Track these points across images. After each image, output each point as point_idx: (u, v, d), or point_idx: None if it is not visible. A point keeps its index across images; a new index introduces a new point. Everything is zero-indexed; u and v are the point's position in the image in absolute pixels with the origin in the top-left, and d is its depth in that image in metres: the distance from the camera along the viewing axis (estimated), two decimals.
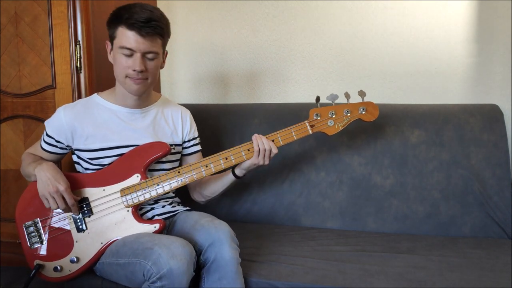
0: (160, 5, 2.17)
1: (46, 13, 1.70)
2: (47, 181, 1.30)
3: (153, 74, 1.37)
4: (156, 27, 1.30)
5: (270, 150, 1.39)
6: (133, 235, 1.32)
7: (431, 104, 1.86)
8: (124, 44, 1.30)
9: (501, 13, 1.87)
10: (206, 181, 1.55)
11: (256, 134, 1.40)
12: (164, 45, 1.38)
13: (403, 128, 1.77)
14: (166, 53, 1.44)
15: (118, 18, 1.31)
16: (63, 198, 1.30)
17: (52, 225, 1.38)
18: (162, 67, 1.44)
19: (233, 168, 1.47)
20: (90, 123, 1.41)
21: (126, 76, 1.34)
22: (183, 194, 1.61)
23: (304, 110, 1.46)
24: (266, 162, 1.40)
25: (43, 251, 1.37)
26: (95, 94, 1.48)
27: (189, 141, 1.56)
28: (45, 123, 1.44)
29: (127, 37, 1.29)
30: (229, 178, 1.49)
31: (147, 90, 1.42)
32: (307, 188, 1.81)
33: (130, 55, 1.31)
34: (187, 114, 1.57)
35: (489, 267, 1.38)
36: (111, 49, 1.38)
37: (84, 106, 1.44)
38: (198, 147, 1.59)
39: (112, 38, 1.35)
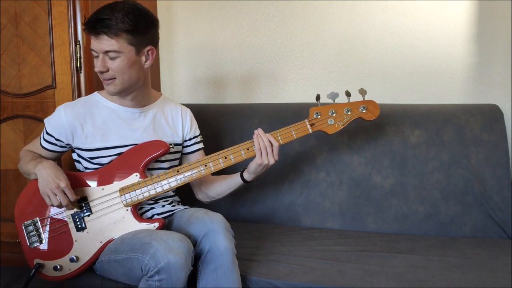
0: (160, 5, 2.18)
1: (46, 13, 1.70)
2: (48, 178, 1.30)
3: (119, 73, 1.32)
4: (107, 26, 1.27)
5: (272, 146, 1.37)
6: (131, 232, 1.33)
7: (431, 104, 1.86)
8: (90, 47, 1.33)
9: (501, 13, 1.87)
10: (211, 181, 1.54)
11: (256, 131, 1.39)
12: (133, 42, 1.31)
13: (403, 128, 1.77)
14: (152, 50, 1.38)
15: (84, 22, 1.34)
16: (65, 194, 1.30)
17: (51, 224, 1.38)
18: (146, 65, 1.38)
19: (241, 171, 1.47)
20: (90, 122, 1.41)
21: (100, 77, 1.36)
22: (182, 193, 1.61)
23: (304, 110, 1.45)
24: (271, 161, 1.37)
25: (42, 250, 1.37)
26: (96, 92, 1.48)
27: (190, 139, 1.56)
28: (45, 121, 1.44)
29: (91, 39, 1.32)
30: (236, 182, 1.47)
31: (128, 90, 1.38)
32: (307, 188, 1.81)
33: (97, 57, 1.33)
34: (187, 113, 1.57)
35: (489, 267, 1.37)
36: None
37: (85, 105, 1.43)
38: (200, 145, 1.59)
39: None
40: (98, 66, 1.32)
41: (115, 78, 1.34)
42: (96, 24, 1.28)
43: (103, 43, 1.29)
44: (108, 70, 1.32)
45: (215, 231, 1.28)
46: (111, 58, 1.31)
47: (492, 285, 1.26)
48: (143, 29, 1.33)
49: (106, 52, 1.30)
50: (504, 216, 1.66)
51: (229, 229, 1.32)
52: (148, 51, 1.37)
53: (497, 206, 1.67)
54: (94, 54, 1.33)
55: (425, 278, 1.30)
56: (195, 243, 1.30)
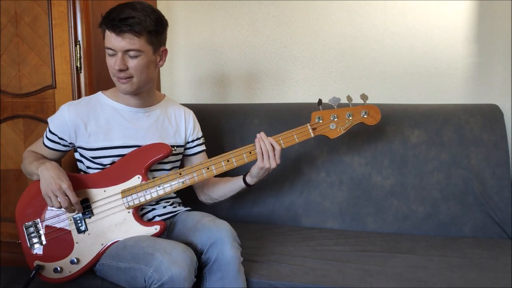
0: (160, 5, 2.17)
1: (46, 13, 1.70)
2: (50, 179, 1.30)
3: (138, 72, 1.33)
4: (132, 25, 1.27)
5: (274, 150, 1.38)
6: (133, 238, 1.32)
7: (431, 104, 1.86)
8: (106, 44, 1.32)
9: (501, 13, 1.87)
10: (214, 184, 1.54)
11: (258, 135, 1.39)
12: (152, 42, 1.33)
13: (403, 128, 1.77)
14: (165, 51, 1.42)
15: (103, 19, 1.31)
16: (66, 196, 1.30)
17: (52, 226, 1.38)
18: (159, 65, 1.42)
19: (244, 175, 1.47)
20: (94, 121, 1.41)
21: (114, 76, 1.35)
22: (184, 195, 1.61)
23: (304, 110, 1.46)
24: (273, 165, 1.38)
25: (43, 251, 1.37)
26: (100, 92, 1.48)
27: (192, 141, 1.56)
28: (49, 119, 1.44)
29: (108, 37, 1.31)
30: (239, 185, 1.48)
31: (140, 89, 1.39)
32: (307, 189, 1.81)
33: (113, 55, 1.32)
34: (190, 114, 1.57)
35: (489, 267, 1.38)
36: None
37: (88, 104, 1.43)
38: (202, 147, 1.59)
39: (103, 40, 1.35)
40: (117, 64, 1.30)
41: (132, 77, 1.34)
42: (120, 22, 1.27)
43: (126, 41, 1.28)
44: (127, 69, 1.32)
45: (223, 241, 1.28)
46: (131, 57, 1.31)
47: (492, 285, 1.27)
48: (161, 30, 1.36)
49: (127, 51, 1.30)
50: (504, 216, 1.66)
51: (235, 238, 1.32)
52: (162, 51, 1.40)
53: (497, 206, 1.67)
54: (110, 52, 1.32)
55: (425, 278, 1.30)
56: (201, 251, 1.30)
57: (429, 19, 1.94)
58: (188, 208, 1.53)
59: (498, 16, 1.87)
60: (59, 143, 1.44)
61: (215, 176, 1.45)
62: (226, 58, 2.20)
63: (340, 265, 1.39)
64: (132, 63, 1.32)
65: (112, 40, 1.29)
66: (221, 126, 1.91)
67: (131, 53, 1.30)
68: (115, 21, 1.27)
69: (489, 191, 1.68)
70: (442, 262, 1.41)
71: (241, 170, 1.49)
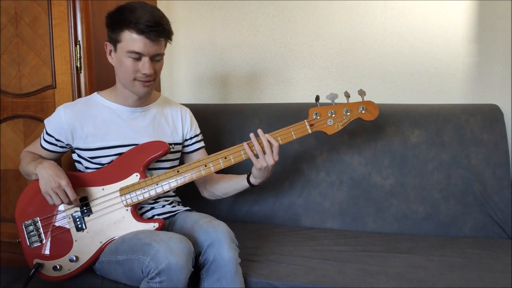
0: (160, 5, 2.17)
1: (46, 13, 1.70)
2: (48, 177, 1.30)
3: (158, 74, 1.38)
4: (164, 31, 1.30)
5: (271, 147, 1.37)
6: (132, 233, 1.33)
7: (431, 104, 1.86)
8: (132, 49, 1.29)
9: (501, 13, 1.87)
10: (217, 180, 1.54)
11: (252, 134, 1.38)
12: (166, 45, 1.37)
13: (403, 128, 1.77)
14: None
15: (123, 21, 1.28)
16: (66, 193, 1.30)
17: (51, 224, 1.38)
18: None
19: (248, 175, 1.46)
20: (90, 122, 1.41)
21: (134, 79, 1.34)
22: (183, 194, 1.61)
23: (305, 110, 1.45)
24: (271, 161, 1.36)
25: (42, 250, 1.37)
26: (95, 93, 1.48)
27: (191, 138, 1.56)
28: (45, 121, 1.44)
29: (135, 41, 1.28)
30: (242, 185, 1.48)
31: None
32: (307, 188, 1.81)
33: (138, 59, 1.31)
34: (187, 112, 1.57)
35: (489, 267, 1.38)
36: (113, 51, 1.35)
37: (85, 105, 1.43)
38: (201, 144, 1.59)
39: (115, 41, 1.32)
40: (147, 69, 1.30)
41: (154, 80, 1.37)
42: (157, 27, 1.28)
43: (158, 46, 1.31)
44: (154, 72, 1.34)
45: (220, 242, 1.28)
46: (157, 61, 1.34)
47: (492, 285, 1.26)
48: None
49: (155, 55, 1.32)
50: (504, 216, 1.66)
51: (233, 239, 1.32)
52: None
53: (497, 206, 1.67)
54: (134, 56, 1.30)
55: (425, 278, 1.30)
56: (199, 252, 1.30)
57: (429, 19, 1.94)
58: (188, 208, 1.53)
59: (498, 16, 1.87)
60: (56, 145, 1.44)
61: (216, 173, 1.45)
62: (226, 58, 2.20)
63: (340, 265, 1.39)
64: (157, 67, 1.35)
65: (141, 45, 1.28)
66: (221, 126, 1.91)
67: (157, 57, 1.33)
68: (150, 27, 1.26)
69: (489, 191, 1.68)
70: (442, 262, 1.41)
71: (242, 166, 1.49)
